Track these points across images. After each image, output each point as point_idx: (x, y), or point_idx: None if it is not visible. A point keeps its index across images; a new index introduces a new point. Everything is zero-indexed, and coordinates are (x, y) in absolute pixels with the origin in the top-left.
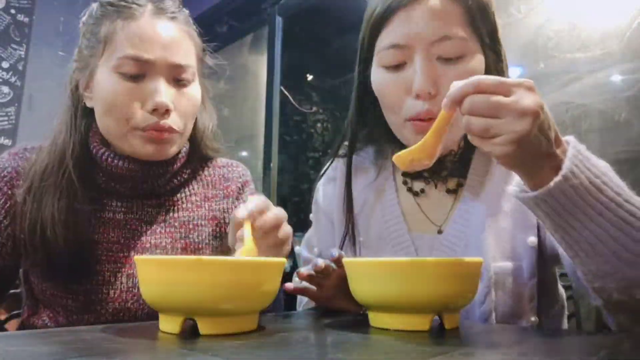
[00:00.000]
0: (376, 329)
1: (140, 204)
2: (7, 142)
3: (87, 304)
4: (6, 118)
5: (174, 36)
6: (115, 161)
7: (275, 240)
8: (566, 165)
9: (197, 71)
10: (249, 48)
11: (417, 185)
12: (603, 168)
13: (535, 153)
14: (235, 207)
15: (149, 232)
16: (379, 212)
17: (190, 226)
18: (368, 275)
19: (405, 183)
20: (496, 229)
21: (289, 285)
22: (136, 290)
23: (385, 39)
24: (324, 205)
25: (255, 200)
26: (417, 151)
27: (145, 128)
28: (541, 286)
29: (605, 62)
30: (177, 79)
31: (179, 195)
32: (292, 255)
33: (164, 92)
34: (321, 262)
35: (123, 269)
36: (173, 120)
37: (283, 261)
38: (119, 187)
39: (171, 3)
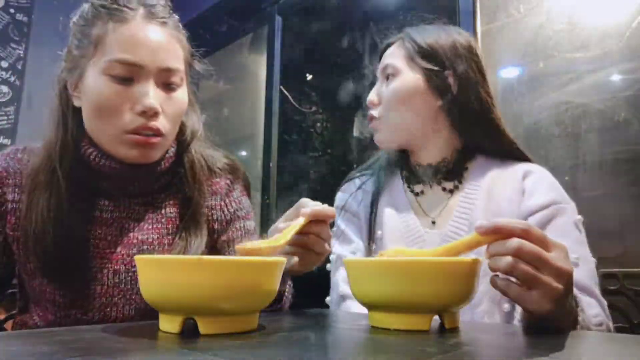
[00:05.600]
0: (376, 329)
1: (128, 202)
2: (7, 141)
3: (74, 299)
4: (5, 117)
5: (163, 40)
6: (104, 161)
7: (317, 249)
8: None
9: (185, 75)
10: (249, 48)
11: (418, 188)
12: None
13: (565, 314)
14: (225, 204)
15: (136, 229)
16: (393, 210)
17: (178, 222)
18: (368, 275)
19: (409, 187)
20: None
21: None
22: (122, 286)
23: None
24: (354, 210)
25: (326, 208)
26: None
27: (133, 130)
28: None
29: (605, 61)
30: (166, 83)
31: (166, 192)
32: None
33: (153, 95)
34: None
35: (109, 265)
36: (161, 123)
37: (283, 261)
38: (107, 186)
39: (162, 8)
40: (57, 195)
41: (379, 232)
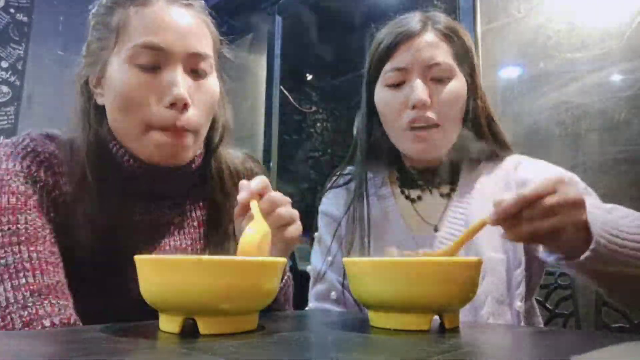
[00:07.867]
0: (376, 329)
1: (156, 205)
2: None
3: (94, 312)
4: (5, 117)
5: (190, 23)
6: (133, 161)
7: (279, 220)
8: (594, 233)
9: (214, 63)
10: (249, 48)
11: (414, 193)
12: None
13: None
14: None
15: (167, 235)
16: (381, 218)
17: (210, 224)
18: (368, 275)
19: (402, 192)
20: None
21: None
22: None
23: (391, 64)
24: (335, 214)
25: (255, 181)
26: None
27: (161, 126)
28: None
29: (605, 61)
30: (195, 70)
31: (194, 194)
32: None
33: (182, 84)
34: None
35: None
36: (191, 116)
37: (284, 261)
38: (135, 188)
39: None
40: (88, 204)
41: (366, 241)
